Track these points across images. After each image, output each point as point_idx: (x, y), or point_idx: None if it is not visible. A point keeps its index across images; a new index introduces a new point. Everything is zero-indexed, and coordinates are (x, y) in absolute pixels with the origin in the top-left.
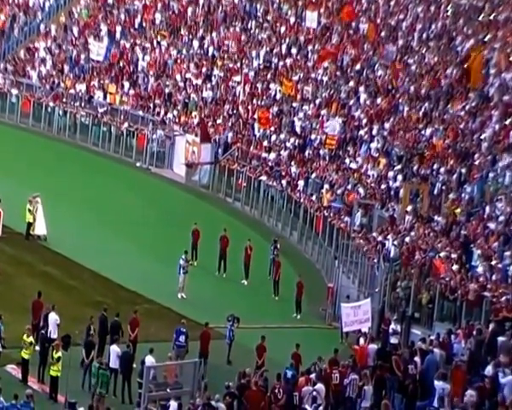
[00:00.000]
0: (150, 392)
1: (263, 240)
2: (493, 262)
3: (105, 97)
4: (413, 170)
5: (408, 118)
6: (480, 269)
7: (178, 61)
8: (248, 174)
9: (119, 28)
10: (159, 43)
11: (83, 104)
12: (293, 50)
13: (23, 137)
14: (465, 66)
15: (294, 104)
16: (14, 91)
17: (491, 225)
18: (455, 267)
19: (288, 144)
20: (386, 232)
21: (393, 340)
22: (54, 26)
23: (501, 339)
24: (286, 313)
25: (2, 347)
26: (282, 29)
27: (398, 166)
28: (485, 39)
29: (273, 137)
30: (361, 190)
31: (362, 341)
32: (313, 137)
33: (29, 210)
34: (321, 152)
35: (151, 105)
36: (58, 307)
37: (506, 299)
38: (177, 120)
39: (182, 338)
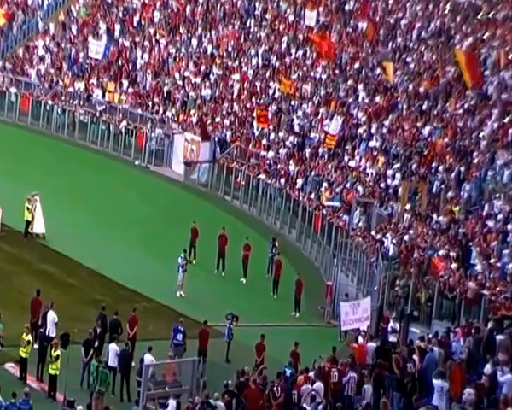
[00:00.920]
0: (149, 390)
1: (261, 238)
2: (492, 260)
3: (104, 96)
4: (412, 168)
5: (406, 117)
6: (478, 267)
7: (177, 59)
8: (247, 172)
9: (117, 26)
10: (157, 41)
11: (81, 102)
12: (292, 49)
13: (22, 136)
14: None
15: (293, 102)
16: (13, 90)
17: (490, 224)
18: (453, 266)
19: (287, 143)
20: (384, 231)
21: (392, 338)
22: (52, 25)
23: (499, 337)
24: (285, 311)
25: (1, 345)
26: (281, 27)
27: (397, 165)
28: (484, 37)
29: (272, 136)
30: (360, 189)
31: (360, 339)
32: (312, 135)
33: (28, 208)
34: (320, 150)
35: (150, 103)
36: (56, 306)
37: (505, 297)
38: (175, 119)
39: (179, 337)
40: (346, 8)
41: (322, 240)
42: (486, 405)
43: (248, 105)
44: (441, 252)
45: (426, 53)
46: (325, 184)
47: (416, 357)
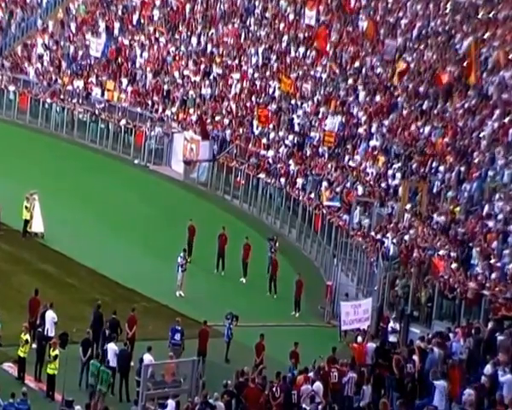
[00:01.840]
0: (148, 390)
1: (261, 238)
2: (492, 261)
3: (103, 94)
4: (412, 168)
5: (407, 116)
6: (478, 268)
7: (177, 57)
8: (247, 172)
9: (117, 25)
10: (157, 39)
11: (80, 101)
12: (292, 47)
13: (20, 134)
14: (464, 63)
15: (293, 102)
16: (12, 88)
17: (490, 224)
18: (454, 266)
19: (287, 142)
20: (385, 230)
21: (392, 338)
22: (51, 22)
23: (500, 338)
24: (285, 311)
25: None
26: (281, 26)
27: (398, 164)
28: (485, 37)
29: (272, 135)
30: (360, 188)
31: (360, 339)
32: (312, 134)
33: (26, 207)
34: (320, 150)
35: (149, 102)
36: (55, 305)
37: (505, 297)
38: (175, 117)
39: (177, 336)
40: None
41: (323, 240)
42: (487, 406)
43: (248, 104)
44: (441, 252)
45: (426, 52)
46: (325, 184)
47: (416, 357)
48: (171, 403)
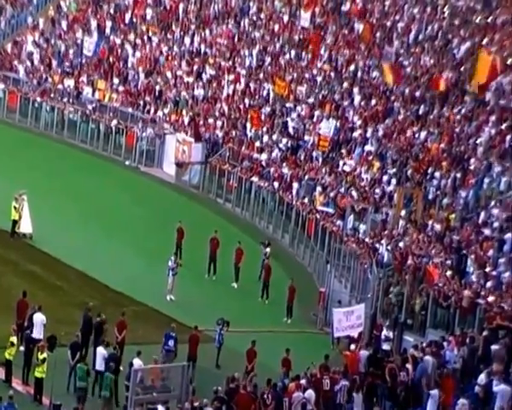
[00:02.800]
0: (137, 395)
1: (254, 243)
2: (487, 269)
3: (94, 94)
4: (407, 174)
5: (403, 121)
6: (474, 276)
7: (169, 58)
8: (239, 175)
9: (109, 23)
10: (149, 39)
11: (71, 100)
12: (287, 50)
13: (9, 133)
14: (470, 64)
15: (287, 104)
16: (1, 86)
17: (486, 232)
18: (448, 274)
19: (281, 145)
20: (379, 237)
21: (385, 346)
22: (42, 20)
23: (494, 347)
24: (276, 317)
25: None
26: (276, 28)
27: (393, 170)
28: (482, 42)
29: (265, 138)
30: (354, 194)
31: (353, 346)
32: (306, 138)
33: (15, 207)
34: (314, 154)
35: (141, 102)
36: (43, 308)
37: (500, 306)
38: (167, 119)
39: (171, 343)
40: (343, 8)
41: (316, 245)
42: None
43: (241, 106)
44: (436, 260)
45: (423, 57)
46: (319, 189)
47: (409, 366)
48: (160, 409)
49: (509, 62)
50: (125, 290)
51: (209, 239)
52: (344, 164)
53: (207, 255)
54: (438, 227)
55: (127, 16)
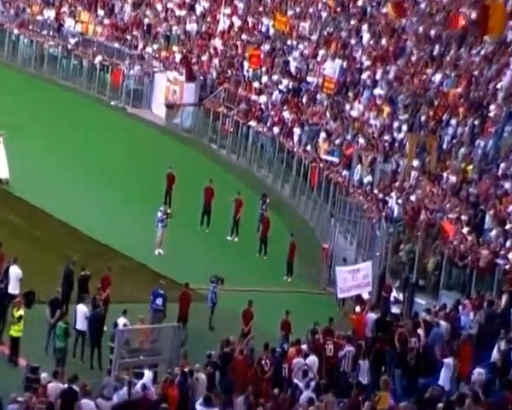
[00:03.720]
0: (122, 358)
1: (252, 193)
2: (507, 226)
3: (76, 26)
4: (420, 121)
5: (416, 62)
6: (492, 233)
7: None
8: (236, 118)
9: None
10: None
11: (51, 33)
12: None
13: None
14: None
15: (289, 42)
16: None
17: (506, 185)
18: (465, 230)
19: (281, 87)
20: (389, 189)
21: (395, 309)
22: None
23: None
24: (276, 275)
25: None
26: None
27: (404, 116)
28: None
29: (264, 78)
30: (361, 141)
31: (358, 308)
32: (309, 79)
33: None
34: (318, 97)
35: (128, 37)
36: (20, 260)
37: None
38: (157, 55)
39: (159, 301)
40: None
41: (319, 197)
42: (498, 386)
43: (239, 43)
44: (451, 215)
45: None
46: (323, 135)
47: (420, 331)
48: (148, 374)
49: None
50: (110, 243)
51: (203, 189)
52: (351, 108)
53: (201, 206)
54: (453, 179)
55: None
